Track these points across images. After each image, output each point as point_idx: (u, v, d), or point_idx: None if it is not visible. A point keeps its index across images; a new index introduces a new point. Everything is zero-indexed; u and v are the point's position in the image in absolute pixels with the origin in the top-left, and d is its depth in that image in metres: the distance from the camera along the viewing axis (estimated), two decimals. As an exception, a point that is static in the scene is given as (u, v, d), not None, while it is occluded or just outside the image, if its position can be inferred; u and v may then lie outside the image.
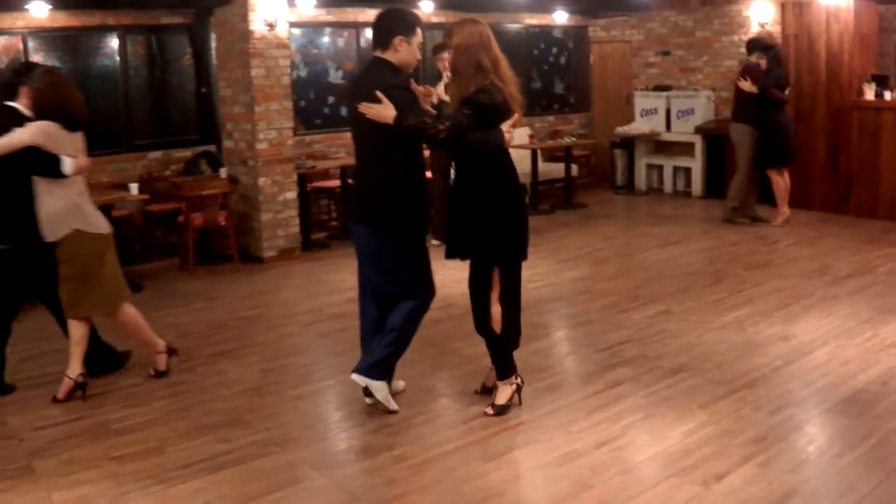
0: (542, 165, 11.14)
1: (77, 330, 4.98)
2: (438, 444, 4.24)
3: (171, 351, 5.39)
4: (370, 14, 10.39)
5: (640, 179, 12.25)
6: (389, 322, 4.52)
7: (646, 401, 4.71)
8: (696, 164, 11.54)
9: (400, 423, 4.52)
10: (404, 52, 4.39)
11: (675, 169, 11.94)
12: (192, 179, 8.55)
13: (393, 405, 4.60)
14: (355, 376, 4.50)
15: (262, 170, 8.38)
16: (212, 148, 9.40)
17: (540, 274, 7.55)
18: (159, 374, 5.29)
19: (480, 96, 4.27)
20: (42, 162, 4.76)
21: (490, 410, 4.60)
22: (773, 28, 10.67)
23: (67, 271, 4.92)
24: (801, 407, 4.60)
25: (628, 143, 12.16)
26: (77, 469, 4.09)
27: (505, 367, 4.64)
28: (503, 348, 4.62)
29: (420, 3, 9.99)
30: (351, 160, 9.40)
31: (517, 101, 4.41)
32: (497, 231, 4.43)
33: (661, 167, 12.15)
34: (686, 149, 11.70)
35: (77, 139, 4.92)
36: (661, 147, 12.15)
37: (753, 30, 10.96)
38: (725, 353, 5.43)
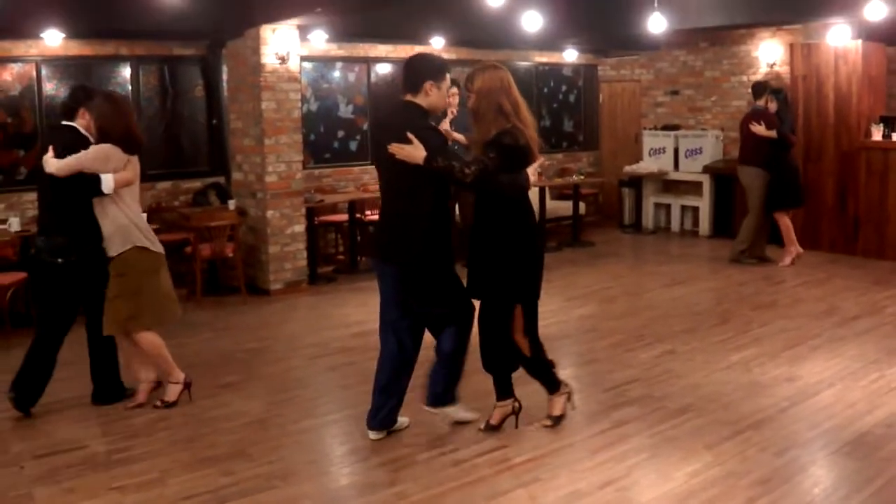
0: (550, 203, 11.15)
1: (133, 341, 5.19)
2: (441, 482, 4.22)
3: (187, 385, 5.39)
4: (381, 50, 10.56)
5: (648, 218, 12.27)
6: (441, 349, 4.64)
7: (651, 441, 4.68)
8: (703, 204, 11.57)
9: (403, 459, 4.50)
10: (434, 96, 4.49)
11: (683, 208, 11.97)
12: (201, 210, 8.60)
13: (468, 415, 4.89)
14: (429, 408, 4.73)
15: (270, 202, 8.42)
16: (221, 179, 9.44)
17: (548, 311, 7.50)
18: (167, 405, 5.27)
19: (505, 139, 4.36)
20: (83, 183, 4.89)
21: (548, 422, 4.82)
22: (782, 69, 10.74)
23: (120, 286, 5.03)
24: (807, 448, 4.57)
25: (636, 182, 12.19)
26: (78, 498, 4.08)
27: (550, 382, 4.84)
28: (539, 368, 4.78)
29: (431, 41, 10.08)
30: (359, 194, 9.54)
31: (536, 144, 4.52)
32: (516, 270, 4.52)
33: (668, 206, 12.17)
34: (694, 188, 11.73)
35: (129, 159, 5.03)
36: (669, 186, 12.19)
37: (762, 70, 11.04)
38: (731, 394, 5.40)
